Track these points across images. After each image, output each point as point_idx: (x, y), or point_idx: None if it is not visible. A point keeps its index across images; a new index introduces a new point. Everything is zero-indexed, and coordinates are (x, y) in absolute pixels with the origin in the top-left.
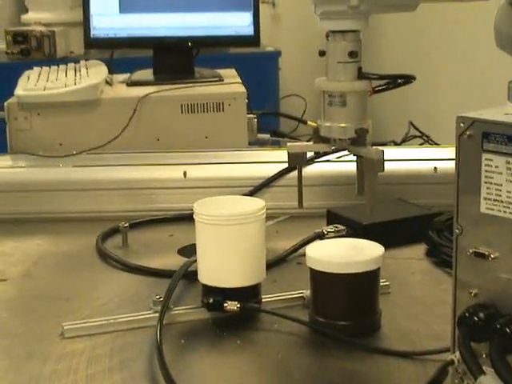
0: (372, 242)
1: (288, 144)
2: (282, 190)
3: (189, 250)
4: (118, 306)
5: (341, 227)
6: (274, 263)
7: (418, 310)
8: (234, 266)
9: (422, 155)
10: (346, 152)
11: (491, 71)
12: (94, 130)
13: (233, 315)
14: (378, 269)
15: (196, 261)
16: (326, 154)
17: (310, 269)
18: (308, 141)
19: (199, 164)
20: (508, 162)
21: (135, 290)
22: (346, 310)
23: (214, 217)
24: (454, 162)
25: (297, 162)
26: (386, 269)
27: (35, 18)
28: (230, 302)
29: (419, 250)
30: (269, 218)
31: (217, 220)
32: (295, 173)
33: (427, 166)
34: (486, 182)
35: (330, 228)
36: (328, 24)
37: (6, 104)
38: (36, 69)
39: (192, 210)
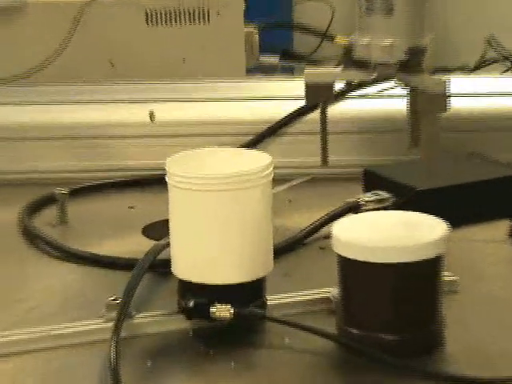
0: (431, 217)
1: (306, 71)
2: (297, 140)
3: (158, 229)
4: (54, 312)
5: (384, 195)
6: (286, 248)
7: (500, 317)
8: (225, 253)
9: (505, 87)
10: (392, 83)
11: None
12: (18, 50)
13: (224, 325)
14: (441, 257)
15: (169, 245)
16: (362, 85)
17: (339, 257)
18: (336, 66)
19: (173, 101)
20: None
21: (79, 287)
22: (392, 318)
23: (196, 179)
24: None
25: (319, 97)
26: (453, 256)
27: None
28: (219, 306)
29: (502, 228)
30: (278, 181)
31: (200, 184)
32: (317, 114)
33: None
34: None
35: (369, 196)
36: None
37: None
38: None
39: (162, 169)
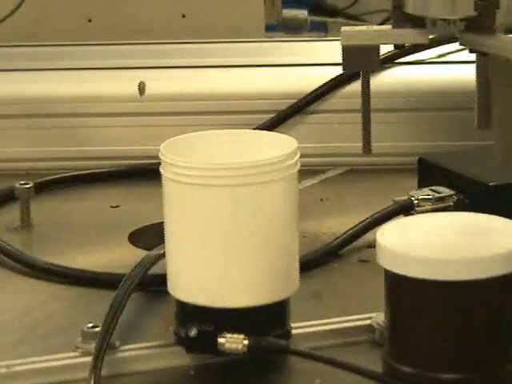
0: (507, 221)
1: (343, 29)
2: (331, 120)
3: (149, 236)
4: (13, 342)
5: (446, 191)
6: (316, 261)
7: None
8: (238, 268)
9: None
10: (455, 45)
11: None
12: None
13: (236, 360)
14: None
15: (163, 256)
16: (416, 48)
17: (386, 272)
18: (382, 23)
19: (169, 68)
20: None
21: (47, 311)
22: (454, 352)
23: (200, 171)
24: None
25: (360, 64)
26: None
27: None
28: (229, 336)
29: None
30: (306, 173)
31: (205, 177)
32: (357, 86)
33: None
34: None
35: (425, 193)
36: None
37: None
38: None
39: (155, 157)
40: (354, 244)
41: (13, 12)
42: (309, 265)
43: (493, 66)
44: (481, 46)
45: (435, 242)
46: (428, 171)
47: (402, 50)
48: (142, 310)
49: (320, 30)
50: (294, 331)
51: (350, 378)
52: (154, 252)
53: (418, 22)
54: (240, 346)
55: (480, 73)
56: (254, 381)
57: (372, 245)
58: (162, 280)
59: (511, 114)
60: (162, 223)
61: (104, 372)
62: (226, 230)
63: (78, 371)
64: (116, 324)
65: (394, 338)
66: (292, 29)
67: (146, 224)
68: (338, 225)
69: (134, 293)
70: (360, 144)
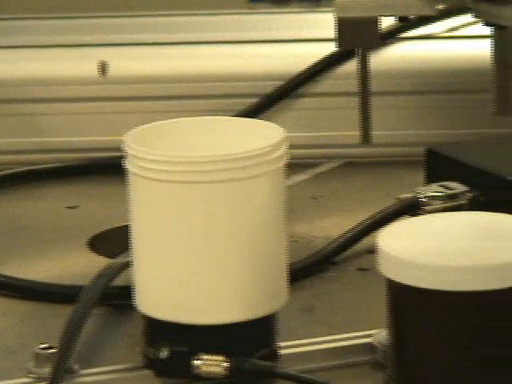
0: None
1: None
2: (324, 106)
3: (112, 241)
4: None
5: (459, 187)
6: (309, 270)
7: None
8: (216, 279)
9: None
10: (468, 17)
11: None
12: None
13: None
14: None
15: (129, 265)
16: (423, 21)
17: (389, 282)
18: None
19: (135, 45)
20: None
21: None
22: (473, 373)
23: (172, 165)
24: None
25: (357, 40)
26: None
27: None
28: (207, 358)
29: None
30: (296, 167)
31: (178, 173)
32: (353, 65)
33: None
34: None
35: (434, 190)
36: None
37: None
38: None
39: (118, 149)
40: (352, 249)
41: None
42: (300, 274)
43: (510, 41)
44: (497, 17)
45: (446, 247)
46: (437, 164)
47: (405, 24)
48: (105, 327)
49: (311, 1)
50: (282, 351)
51: None
52: (118, 260)
53: None
54: (219, 369)
55: (497, 50)
56: None
57: (372, 250)
58: (127, 293)
59: None
60: (126, 227)
61: None
62: (202, 234)
63: None
64: (74, 344)
65: (398, 359)
66: (278, 0)
67: (108, 228)
68: (333, 227)
69: (95, 308)
70: (358, 133)
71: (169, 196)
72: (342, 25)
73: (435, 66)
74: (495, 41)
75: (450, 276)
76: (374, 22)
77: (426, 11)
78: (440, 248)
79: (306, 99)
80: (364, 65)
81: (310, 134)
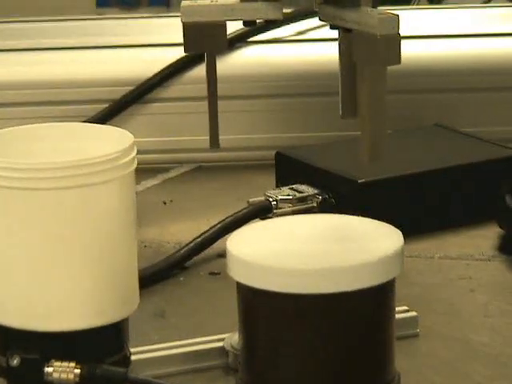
0: (379, 224)
1: (183, 3)
2: (173, 111)
3: None
4: None
5: (309, 190)
6: (159, 275)
7: (481, 374)
8: (64, 284)
9: (490, 22)
10: (316, 20)
11: None
12: None
13: None
14: (392, 283)
15: None
16: (271, 25)
17: (238, 286)
18: None
19: None
20: None
21: None
22: (321, 375)
23: (14, 172)
24: None
25: (204, 44)
26: (412, 281)
27: None
28: (58, 364)
29: (484, 236)
30: (146, 172)
31: (23, 179)
32: (201, 69)
33: (504, 50)
34: None
35: (285, 192)
36: None
37: None
38: None
39: None
40: (203, 254)
41: None
42: (150, 279)
43: (357, 44)
44: (343, 21)
45: (296, 249)
46: (287, 167)
47: (253, 28)
48: None
49: (161, 5)
50: (133, 357)
51: None
52: None
53: None
54: (71, 376)
55: (343, 52)
56: None
57: (224, 254)
58: None
59: (379, 98)
60: None
61: None
62: (49, 240)
63: None
64: None
65: (249, 363)
66: (127, 3)
67: None
68: (184, 231)
69: None
70: (207, 137)
71: (13, 203)
72: (189, 29)
73: (283, 69)
74: (341, 43)
75: (297, 279)
76: (221, 26)
77: (272, 15)
78: (289, 251)
79: (155, 104)
80: (211, 69)
81: (160, 139)
